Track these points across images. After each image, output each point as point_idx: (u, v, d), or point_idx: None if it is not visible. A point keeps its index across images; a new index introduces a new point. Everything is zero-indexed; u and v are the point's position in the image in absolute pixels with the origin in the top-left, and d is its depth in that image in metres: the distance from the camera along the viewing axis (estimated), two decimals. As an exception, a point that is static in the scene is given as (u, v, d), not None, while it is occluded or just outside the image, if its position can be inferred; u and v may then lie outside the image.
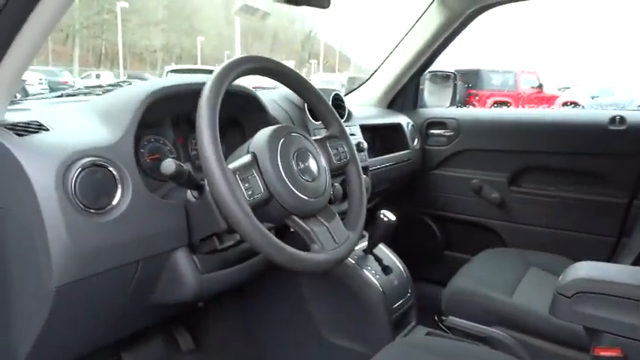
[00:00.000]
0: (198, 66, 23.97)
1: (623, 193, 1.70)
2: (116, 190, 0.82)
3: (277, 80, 0.99)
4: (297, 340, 1.41)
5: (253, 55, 0.93)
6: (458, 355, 0.97)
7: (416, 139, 1.98)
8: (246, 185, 0.82)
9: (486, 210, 1.93)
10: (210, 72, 0.91)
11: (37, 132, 0.82)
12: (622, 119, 1.68)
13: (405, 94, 2.06)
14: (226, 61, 0.88)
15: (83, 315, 0.88)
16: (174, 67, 14.86)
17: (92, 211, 0.79)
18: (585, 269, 1.08)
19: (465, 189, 1.96)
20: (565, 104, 10.97)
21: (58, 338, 0.87)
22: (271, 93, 1.36)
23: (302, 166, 0.90)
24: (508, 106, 10.57)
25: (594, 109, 2.08)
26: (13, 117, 0.85)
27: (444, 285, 1.45)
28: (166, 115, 1.08)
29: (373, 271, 1.30)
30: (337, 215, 0.96)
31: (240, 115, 1.21)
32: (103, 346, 1.05)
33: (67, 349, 0.97)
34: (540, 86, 12.55)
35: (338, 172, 1.05)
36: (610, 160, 1.71)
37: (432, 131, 2.05)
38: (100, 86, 1.45)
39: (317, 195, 0.91)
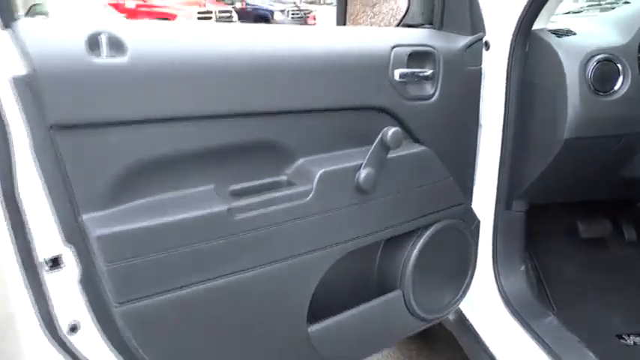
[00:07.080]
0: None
1: None
2: (618, 78, 1.19)
3: None
4: None
5: None
6: None
7: None
8: None
9: None
10: None
11: (568, 35, 1.22)
12: None
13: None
14: None
15: (571, 169, 1.29)
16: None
17: (600, 93, 1.17)
18: None
19: None
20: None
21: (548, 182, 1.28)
22: None
23: None
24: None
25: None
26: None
27: None
28: None
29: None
30: None
31: None
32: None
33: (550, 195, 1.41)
34: None
35: None
36: None
37: None
38: (599, 4, 1.77)
39: None
